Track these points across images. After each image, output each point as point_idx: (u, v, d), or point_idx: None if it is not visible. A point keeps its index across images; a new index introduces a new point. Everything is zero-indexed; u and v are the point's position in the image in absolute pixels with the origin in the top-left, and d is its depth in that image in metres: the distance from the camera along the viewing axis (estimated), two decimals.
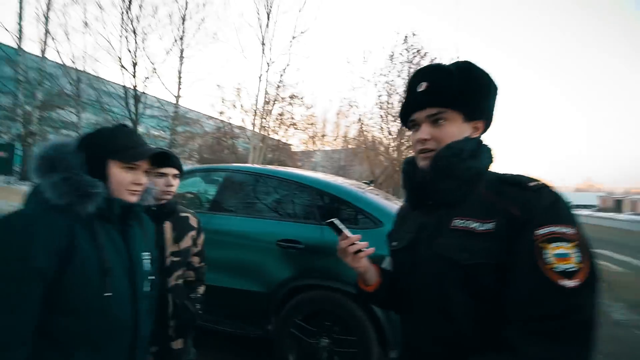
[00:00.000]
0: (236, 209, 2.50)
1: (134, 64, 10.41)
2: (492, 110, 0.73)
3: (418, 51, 12.65)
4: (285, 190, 2.41)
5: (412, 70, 12.63)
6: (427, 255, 0.69)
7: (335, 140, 23.19)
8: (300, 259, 2.08)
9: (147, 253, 0.89)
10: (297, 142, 18.89)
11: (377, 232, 1.96)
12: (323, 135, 22.59)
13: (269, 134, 14.71)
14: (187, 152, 15.09)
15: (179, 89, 11.32)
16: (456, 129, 0.70)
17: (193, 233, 1.39)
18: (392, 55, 12.93)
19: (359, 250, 0.75)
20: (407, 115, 0.74)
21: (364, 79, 13.36)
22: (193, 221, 1.41)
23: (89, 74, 11.11)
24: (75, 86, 11.70)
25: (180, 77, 11.20)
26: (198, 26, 10.87)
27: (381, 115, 13.48)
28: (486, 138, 0.77)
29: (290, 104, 14.91)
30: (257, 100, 12.75)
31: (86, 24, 10.73)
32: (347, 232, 0.76)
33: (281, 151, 16.64)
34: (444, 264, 0.65)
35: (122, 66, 10.46)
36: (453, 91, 0.68)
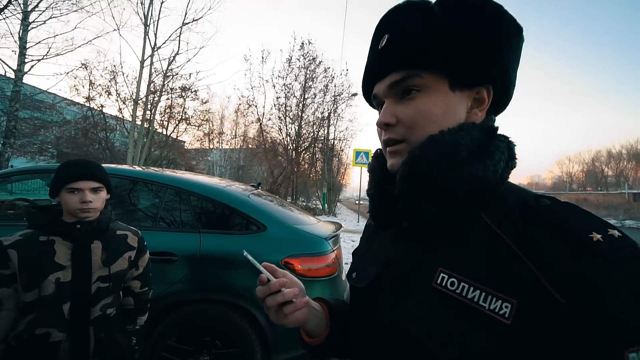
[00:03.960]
0: None
1: None
2: (509, 67, 0.43)
3: (313, 59, 13.31)
4: (156, 195, 2.11)
5: (309, 77, 13.22)
6: (389, 322, 0.43)
7: (233, 139, 22.29)
8: (176, 272, 1.84)
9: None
10: (190, 138, 17.33)
11: (261, 236, 1.91)
12: (220, 133, 21.41)
13: (155, 129, 12.94)
14: (36, 144, 11.84)
15: (23, 62, 8.70)
16: (438, 103, 0.42)
17: (131, 254, 1.21)
18: (289, 59, 13.23)
19: (287, 302, 0.50)
20: (370, 89, 0.49)
21: (262, 79, 13.26)
22: (132, 240, 1.23)
23: None
24: None
25: (24, 47, 8.62)
26: None
27: (279, 117, 13.62)
28: (499, 122, 0.46)
29: (181, 96, 13.50)
30: (138, 89, 11.02)
31: None
32: (265, 273, 0.51)
33: (171, 148, 14.89)
34: (412, 349, 0.39)
35: None
36: (428, 39, 0.41)
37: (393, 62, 0.43)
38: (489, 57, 0.41)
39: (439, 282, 0.39)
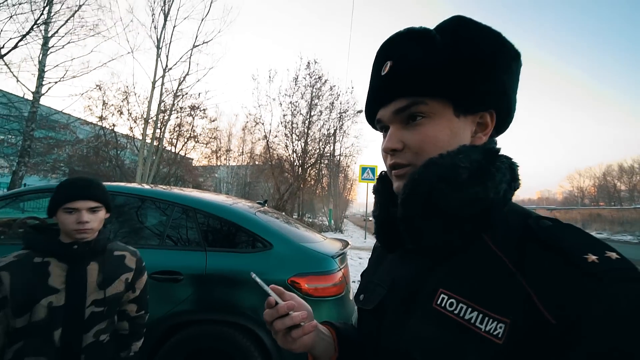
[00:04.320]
0: None
1: None
2: (510, 92, 0.44)
3: (319, 77, 13.60)
4: (163, 213, 2.12)
5: (315, 94, 13.48)
6: (392, 343, 0.43)
7: (240, 156, 22.55)
8: (181, 292, 1.82)
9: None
10: (198, 156, 17.61)
11: (267, 254, 1.89)
12: (228, 150, 21.70)
13: (164, 146, 13.21)
14: (49, 162, 12.16)
15: (40, 84, 9.08)
16: (444, 129, 0.43)
17: (128, 275, 1.15)
18: (296, 78, 13.54)
19: (295, 326, 0.48)
20: (373, 113, 0.50)
21: (269, 97, 13.55)
22: (130, 261, 1.18)
23: None
24: None
25: (42, 71, 9.02)
26: (72, 12, 9.05)
27: (286, 134, 13.80)
28: (502, 143, 0.47)
29: (190, 115, 13.85)
30: (149, 108, 11.34)
31: None
32: (273, 296, 0.49)
33: (179, 165, 15.13)
34: None
35: None
36: (432, 67, 0.43)
37: (397, 89, 0.45)
38: (490, 83, 0.43)
39: (439, 302, 0.39)
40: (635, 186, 45.80)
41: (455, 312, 0.37)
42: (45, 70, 9.16)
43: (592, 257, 0.32)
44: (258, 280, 0.51)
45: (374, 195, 0.54)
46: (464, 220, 0.40)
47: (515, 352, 0.32)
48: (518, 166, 0.45)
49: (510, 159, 0.44)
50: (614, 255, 0.33)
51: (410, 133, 0.45)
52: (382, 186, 0.52)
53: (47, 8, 8.58)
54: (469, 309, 0.36)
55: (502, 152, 0.44)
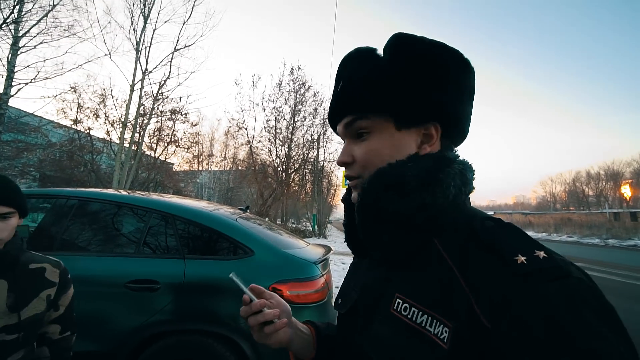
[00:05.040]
0: (72, 246, 1.99)
1: None
2: (455, 103, 0.45)
3: (303, 83, 13.69)
4: (140, 220, 2.06)
5: (298, 100, 13.52)
6: (357, 346, 0.46)
7: (223, 161, 22.20)
8: (157, 301, 1.76)
9: None
10: (179, 161, 17.21)
11: (248, 261, 1.86)
12: (210, 155, 21.35)
13: (143, 151, 12.81)
14: (18, 167, 11.51)
15: (9, 85, 8.62)
16: (385, 142, 0.46)
17: (50, 292, 0.97)
18: (279, 84, 13.58)
19: (268, 322, 0.51)
20: (334, 128, 0.53)
21: (252, 103, 13.50)
22: (52, 274, 0.99)
23: None
24: None
25: (11, 71, 8.58)
26: (45, 12, 8.68)
27: (269, 139, 13.75)
28: (456, 152, 0.49)
29: (171, 119, 13.55)
30: (127, 112, 11.01)
31: None
32: (248, 294, 0.53)
33: (159, 170, 14.71)
34: None
35: None
36: (372, 85, 0.45)
37: (345, 107, 0.48)
38: (430, 98, 0.44)
39: (395, 307, 0.40)
40: (602, 192, 48.56)
41: (409, 316, 0.38)
42: (15, 70, 8.72)
43: (522, 258, 0.33)
44: (236, 279, 0.53)
45: (343, 205, 0.56)
46: (414, 225, 0.42)
47: (459, 358, 0.32)
48: (472, 171, 0.47)
49: (465, 164, 0.46)
50: (541, 254, 0.33)
51: (358, 147, 0.48)
52: (349, 196, 0.54)
53: (17, 7, 8.20)
54: (420, 313, 0.37)
55: (451, 159, 0.45)
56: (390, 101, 0.44)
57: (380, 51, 0.48)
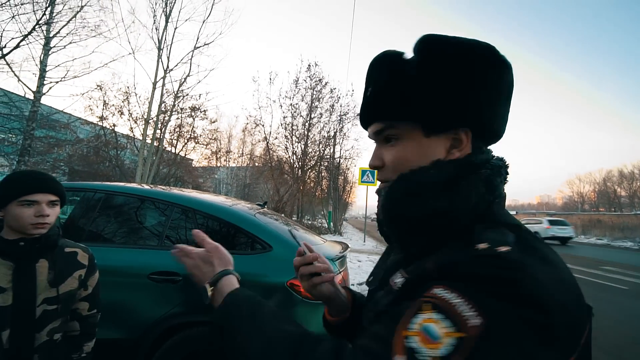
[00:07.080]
0: (99, 237, 2.07)
1: None
2: (487, 106, 0.44)
3: (320, 80, 13.64)
4: (162, 213, 2.11)
5: (315, 97, 13.49)
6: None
7: (240, 157, 22.55)
8: (178, 293, 1.80)
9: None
10: (198, 157, 17.62)
11: (266, 256, 1.87)
12: (228, 152, 21.74)
13: (164, 147, 13.21)
14: (49, 161, 12.15)
15: (42, 84, 9.08)
16: (413, 149, 0.46)
17: (81, 272, 1.11)
18: (296, 80, 13.58)
19: (315, 274, 0.60)
20: (365, 128, 0.54)
21: (269, 99, 13.58)
22: (82, 258, 1.13)
23: None
24: None
25: (43, 70, 9.02)
26: (74, 13, 9.08)
27: (286, 136, 13.81)
28: (481, 157, 0.46)
29: (191, 116, 13.87)
30: (149, 109, 11.35)
31: None
32: (302, 247, 0.62)
33: (179, 166, 15.12)
34: None
35: None
36: (399, 93, 0.45)
37: (373, 114, 0.49)
38: (459, 105, 0.43)
39: (395, 280, 0.44)
40: (636, 192, 45.81)
41: (396, 282, 0.43)
42: (47, 70, 9.17)
43: (483, 245, 0.36)
44: (295, 233, 0.59)
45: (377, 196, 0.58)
46: (428, 230, 0.43)
47: (403, 294, 0.40)
48: (505, 174, 0.47)
49: (495, 168, 0.46)
50: (503, 248, 0.36)
51: (387, 152, 0.49)
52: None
53: (49, 9, 8.60)
54: (401, 278, 0.42)
55: (476, 165, 0.45)
56: (418, 110, 0.44)
57: (408, 54, 0.46)
